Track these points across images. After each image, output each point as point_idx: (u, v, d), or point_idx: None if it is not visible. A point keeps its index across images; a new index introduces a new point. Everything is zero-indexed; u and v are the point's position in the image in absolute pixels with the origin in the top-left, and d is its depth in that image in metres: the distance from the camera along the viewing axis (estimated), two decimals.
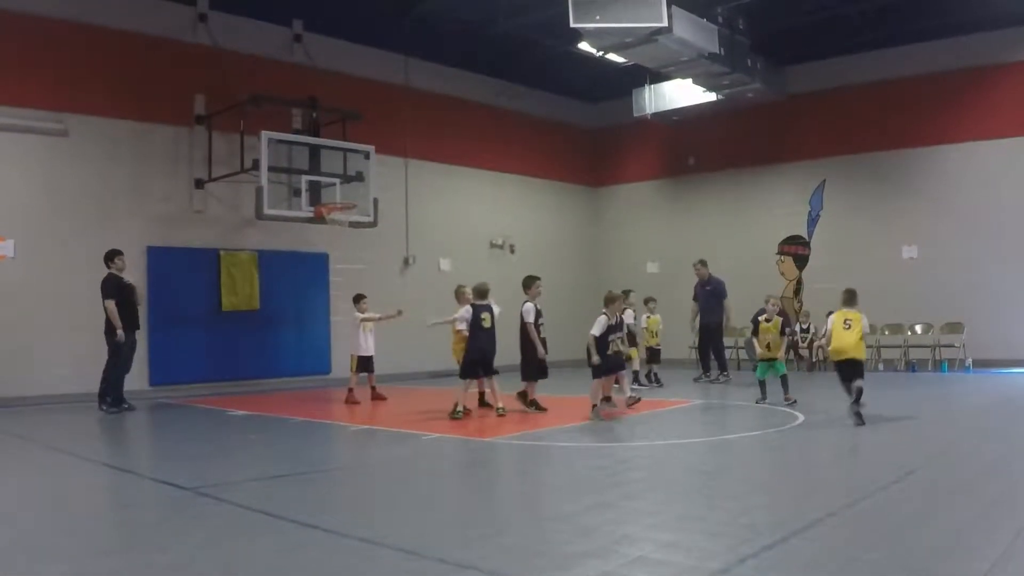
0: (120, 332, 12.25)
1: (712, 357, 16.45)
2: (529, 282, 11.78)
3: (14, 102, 13.80)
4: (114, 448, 9.94)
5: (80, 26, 14.48)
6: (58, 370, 13.67)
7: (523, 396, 11.71)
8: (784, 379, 11.86)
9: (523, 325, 11.52)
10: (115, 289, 12.34)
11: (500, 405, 11.20)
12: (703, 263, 16.78)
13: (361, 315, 13.49)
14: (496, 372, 11.39)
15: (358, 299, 13.76)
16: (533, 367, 11.53)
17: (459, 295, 12.40)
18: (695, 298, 16.74)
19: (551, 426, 10.32)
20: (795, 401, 11.58)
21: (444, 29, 17.73)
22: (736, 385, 15.20)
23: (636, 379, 14.49)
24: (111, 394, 12.48)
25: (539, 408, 11.45)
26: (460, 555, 4.65)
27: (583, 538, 4.94)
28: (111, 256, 12.58)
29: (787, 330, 14.21)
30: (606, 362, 10.94)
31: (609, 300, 11.32)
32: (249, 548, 4.97)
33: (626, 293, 14.52)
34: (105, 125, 14.76)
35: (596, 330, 10.96)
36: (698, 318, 16.69)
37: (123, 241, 14.38)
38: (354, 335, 13.57)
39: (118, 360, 12.49)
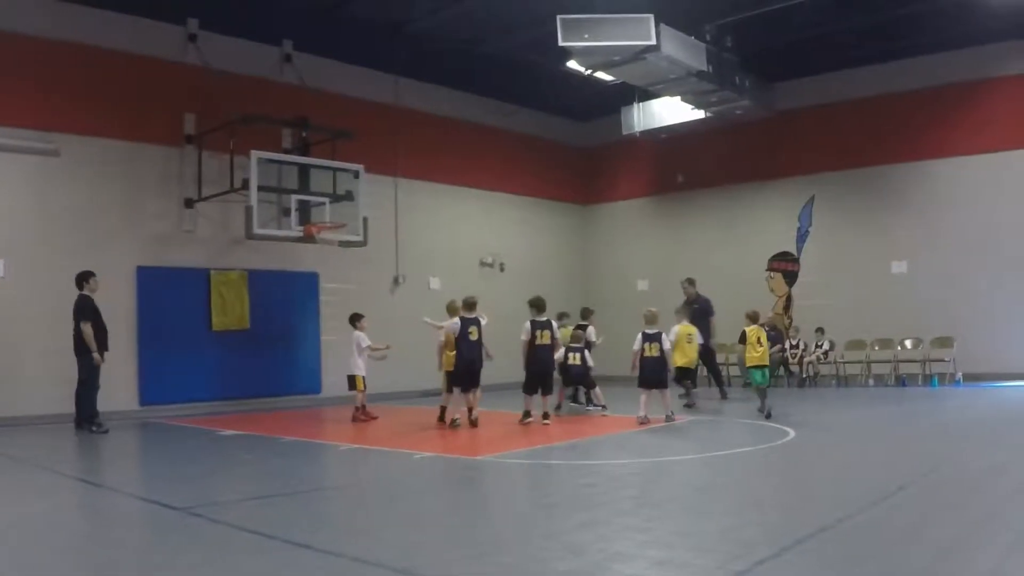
0: (96, 355, 12.33)
1: (709, 375, 16.64)
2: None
3: (4, 122, 13.76)
4: (105, 468, 9.88)
5: (70, 46, 14.48)
6: (49, 390, 13.55)
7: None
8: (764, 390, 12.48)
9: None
10: (91, 312, 12.41)
11: (475, 416, 11.92)
12: (691, 282, 16.89)
13: (366, 339, 13.54)
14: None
15: (358, 318, 13.73)
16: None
17: (452, 310, 12.74)
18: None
19: (541, 444, 10.32)
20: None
21: (434, 48, 17.79)
22: (732, 401, 15.20)
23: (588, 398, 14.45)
24: (90, 413, 12.44)
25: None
26: (452, 573, 4.64)
27: (574, 556, 4.93)
28: (85, 277, 12.60)
29: (777, 346, 14.98)
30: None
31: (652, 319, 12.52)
32: (242, 568, 4.95)
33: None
34: (95, 145, 14.74)
35: (668, 344, 12.38)
36: None
37: (113, 261, 14.44)
38: (355, 356, 13.51)
39: (94, 382, 12.51)
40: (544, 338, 12.24)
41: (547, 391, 12.33)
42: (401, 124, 19.06)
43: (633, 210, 23.44)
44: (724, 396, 15.90)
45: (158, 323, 15.09)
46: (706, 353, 16.31)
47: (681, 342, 13.25)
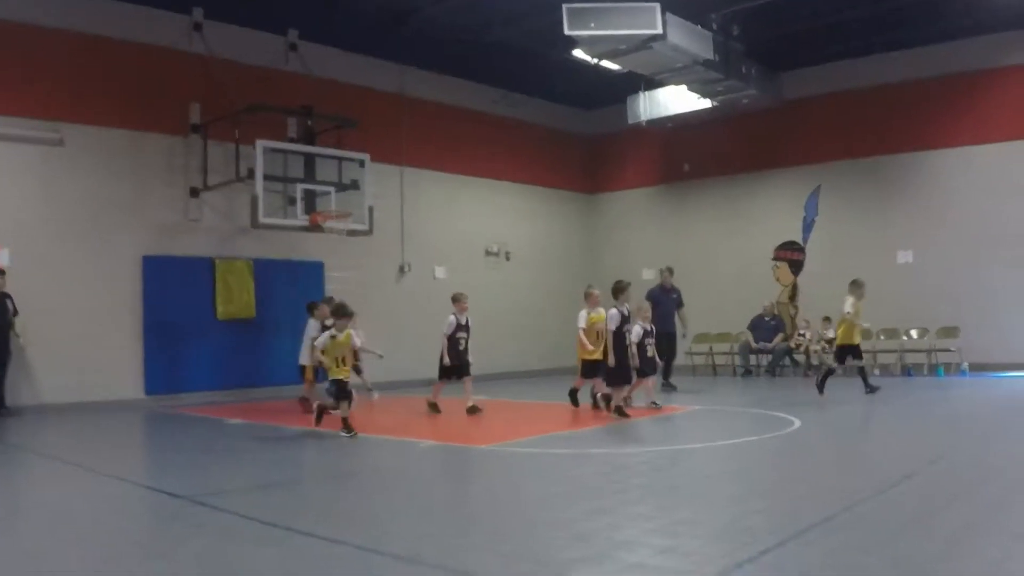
0: None
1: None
2: (619, 288, 12.19)
3: (9, 111, 13.78)
4: (110, 457, 9.88)
5: (75, 36, 14.48)
6: (55, 379, 13.63)
7: (607, 401, 12.00)
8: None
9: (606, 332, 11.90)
10: None
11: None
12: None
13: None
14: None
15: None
16: (616, 372, 11.82)
17: (588, 297, 12.60)
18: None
19: (548, 432, 10.32)
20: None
21: (439, 37, 17.73)
22: (730, 389, 15.20)
23: None
24: None
25: (623, 414, 11.44)
26: (458, 562, 4.65)
27: (580, 544, 4.93)
28: None
29: (780, 335, 15.27)
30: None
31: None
32: (246, 557, 4.95)
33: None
34: (100, 134, 14.75)
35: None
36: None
37: (119, 250, 14.51)
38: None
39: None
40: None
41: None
42: (406, 113, 19.06)
43: (639, 199, 23.39)
44: None
45: (164, 312, 15.11)
46: None
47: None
